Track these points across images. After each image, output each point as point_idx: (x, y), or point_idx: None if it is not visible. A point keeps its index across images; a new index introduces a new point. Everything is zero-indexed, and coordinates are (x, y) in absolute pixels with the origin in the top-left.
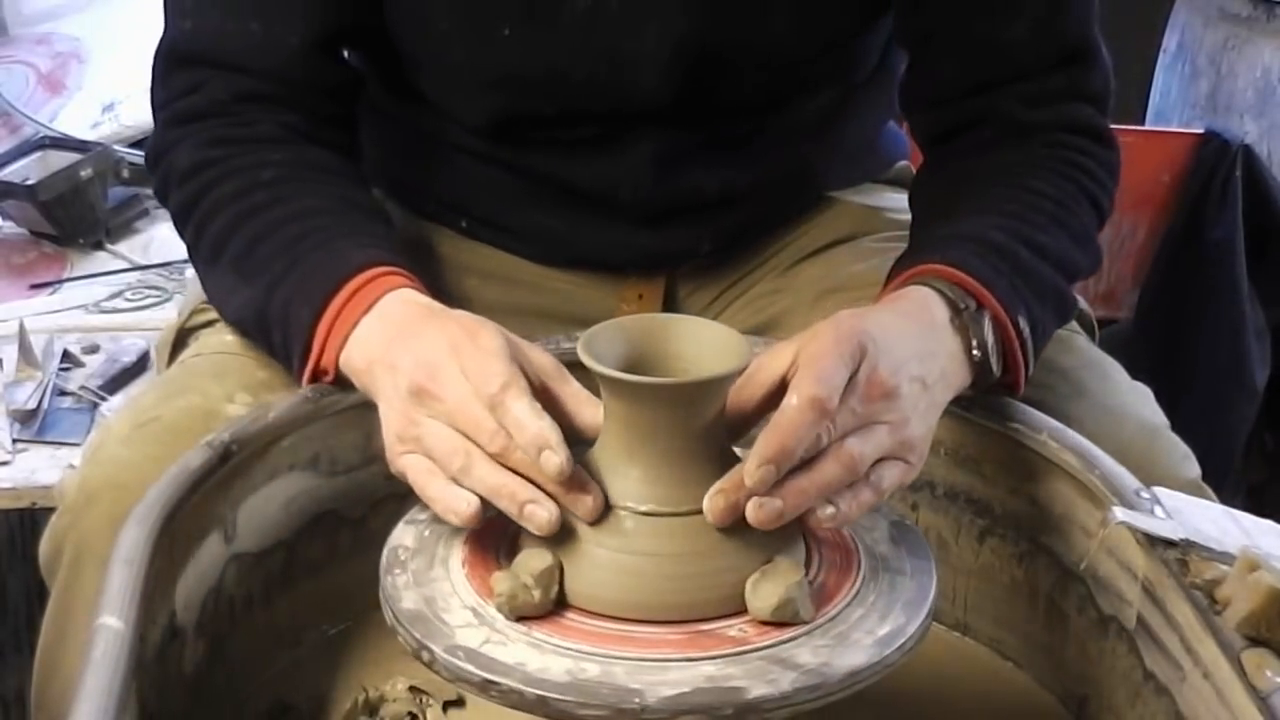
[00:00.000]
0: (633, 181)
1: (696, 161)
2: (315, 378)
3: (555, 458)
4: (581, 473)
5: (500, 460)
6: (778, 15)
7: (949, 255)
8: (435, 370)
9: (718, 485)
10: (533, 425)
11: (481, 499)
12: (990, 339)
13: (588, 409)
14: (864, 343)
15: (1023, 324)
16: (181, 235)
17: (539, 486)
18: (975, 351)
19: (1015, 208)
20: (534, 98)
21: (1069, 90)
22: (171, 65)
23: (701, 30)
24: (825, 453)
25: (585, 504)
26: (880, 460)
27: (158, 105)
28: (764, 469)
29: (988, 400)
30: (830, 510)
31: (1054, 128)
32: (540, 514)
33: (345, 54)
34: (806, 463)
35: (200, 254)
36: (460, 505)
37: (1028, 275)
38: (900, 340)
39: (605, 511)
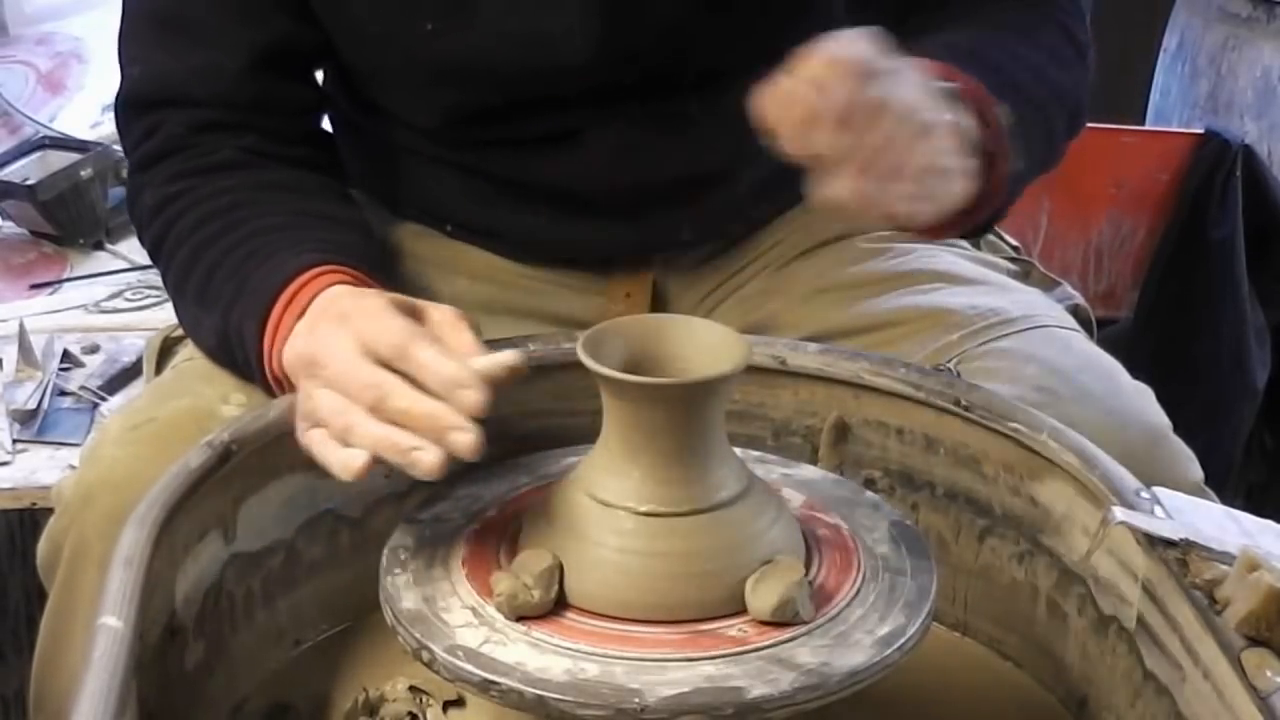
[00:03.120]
0: (596, 172)
1: (657, 145)
2: (280, 388)
3: (473, 394)
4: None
5: (377, 414)
6: None
7: (920, 52)
8: (324, 341)
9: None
10: (445, 368)
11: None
12: (971, 121)
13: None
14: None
15: (1002, 116)
16: (161, 276)
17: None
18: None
19: (980, 27)
20: (473, 91)
21: None
22: (130, 113)
23: None
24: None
25: (466, 399)
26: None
27: (126, 153)
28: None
29: (988, 400)
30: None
31: None
32: (426, 458)
33: (306, 71)
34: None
35: (170, 288)
36: (352, 461)
37: (1002, 73)
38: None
39: (605, 511)
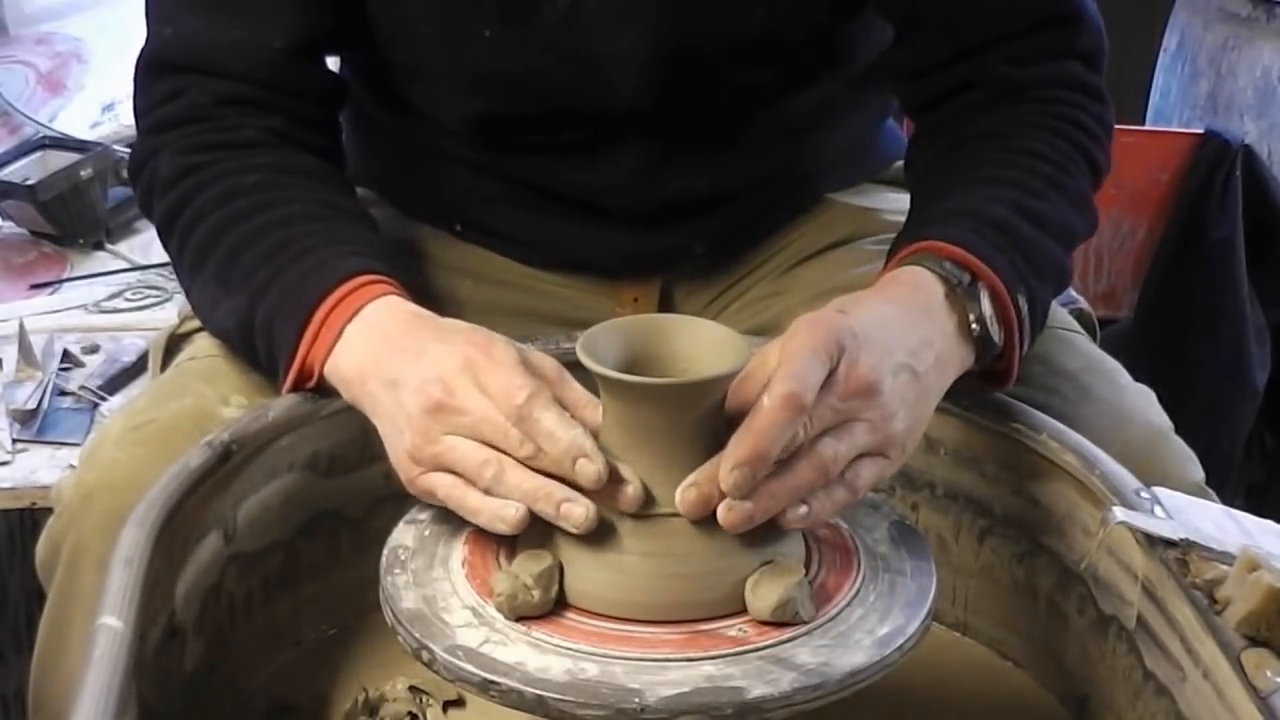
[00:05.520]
0: (620, 185)
1: (684, 163)
2: (297, 386)
3: (592, 465)
4: (617, 470)
5: (529, 465)
6: (755, 6)
7: (949, 233)
8: (452, 386)
9: (691, 478)
10: (565, 435)
11: None
12: (989, 311)
13: (588, 411)
14: (841, 339)
15: (1022, 303)
16: (166, 245)
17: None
18: (974, 326)
19: (1014, 175)
20: (516, 100)
21: (1058, 49)
22: (153, 73)
23: (677, 29)
24: (798, 454)
25: (626, 495)
26: (858, 457)
27: (140, 114)
28: (738, 472)
29: (988, 400)
30: (802, 510)
31: (1045, 84)
32: (577, 511)
33: (328, 61)
34: (780, 463)
35: (184, 263)
36: (509, 512)
37: (1029, 251)
38: (887, 331)
39: (605, 511)
